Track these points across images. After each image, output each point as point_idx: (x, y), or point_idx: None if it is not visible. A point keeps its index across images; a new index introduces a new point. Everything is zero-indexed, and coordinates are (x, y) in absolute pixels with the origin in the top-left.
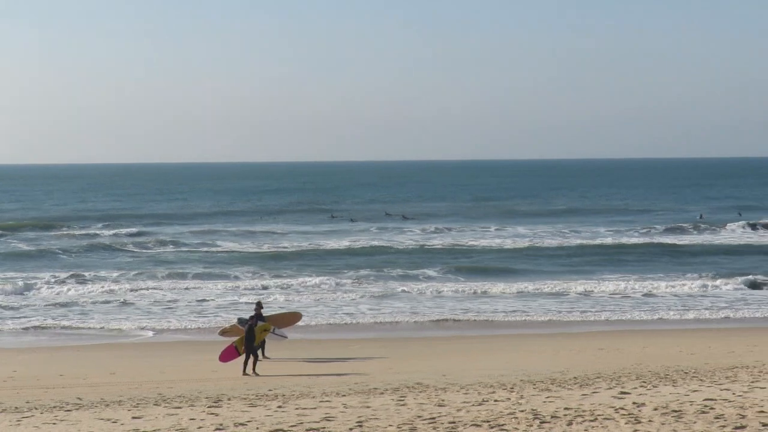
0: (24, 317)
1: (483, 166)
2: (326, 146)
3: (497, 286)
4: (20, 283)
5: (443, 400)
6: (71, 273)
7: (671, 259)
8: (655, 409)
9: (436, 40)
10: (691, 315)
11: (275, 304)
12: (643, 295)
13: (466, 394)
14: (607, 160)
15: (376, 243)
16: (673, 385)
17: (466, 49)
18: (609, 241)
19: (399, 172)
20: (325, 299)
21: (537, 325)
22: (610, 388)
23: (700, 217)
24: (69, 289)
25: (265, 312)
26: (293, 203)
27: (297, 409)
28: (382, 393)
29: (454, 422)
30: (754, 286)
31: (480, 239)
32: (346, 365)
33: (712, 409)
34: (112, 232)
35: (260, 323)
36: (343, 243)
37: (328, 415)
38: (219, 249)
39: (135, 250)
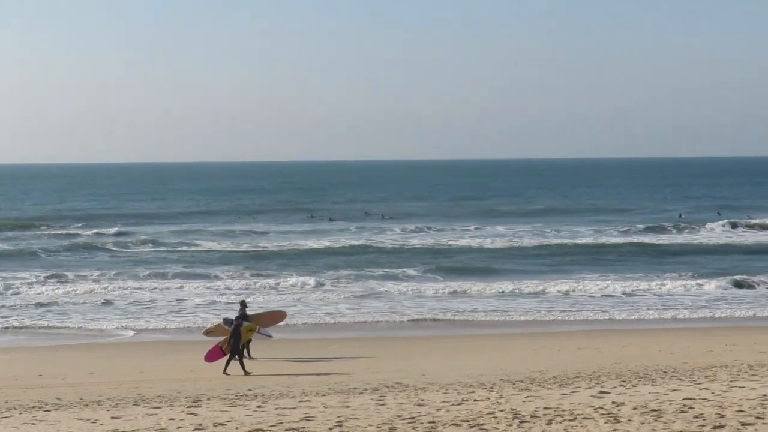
0: (2, 317)
1: (463, 166)
2: (307, 146)
3: (477, 286)
4: None
5: (423, 400)
6: (51, 273)
7: (651, 258)
8: (635, 409)
9: (421, 40)
10: (670, 314)
11: (254, 303)
12: (622, 295)
13: (445, 393)
14: (588, 160)
15: (355, 242)
16: (653, 385)
17: (449, 49)
18: (589, 240)
19: (379, 171)
20: (305, 299)
21: (516, 325)
22: (590, 388)
23: (680, 216)
24: (49, 289)
25: (249, 311)
26: (273, 203)
27: (277, 409)
28: (361, 393)
29: (433, 422)
30: (738, 285)
31: (460, 239)
32: (325, 365)
33: (691, 408)
34: (91, 231)
35: (245, 323)
36: (323, 243)
37: (307, 415)
38: (199, 248)
39: (115, 250)
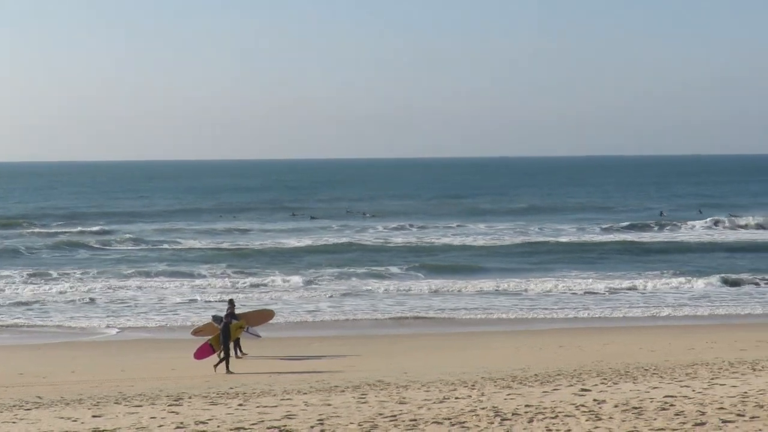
0: None
1: (446, 164)
2: (302, 144)
3: (459, 284)
4: None
5: (404, 398)
6: (34, 271)
7: (632, 256)
8: (616, 406)
9: (409, 38)
10: (651, 312)
11: (236, 302)
12: (604, 293)
13: (427, 391)
14: (571, 158)
15: (337, 241)
16: (634, 382)
17: (440, 48)
18: (571, 238)
19: (367, 170)
20: (286, 297)
21: (498, 323)
22: (571, 385)
23: (661, 214)
24: (31, 288)
25: (237, 310)
26: (256, 201)
27: (258, 407)
28: (343, 391)
29: (415, 420)
30: (726, 283)
31: (442, 237)
32: (307, 363)
33: (672, 405)
34: (75, 230)
35: (234, 321)
36: (305, 241)
37: (289, 413)
38: (181, 247)
39: (98, 248)
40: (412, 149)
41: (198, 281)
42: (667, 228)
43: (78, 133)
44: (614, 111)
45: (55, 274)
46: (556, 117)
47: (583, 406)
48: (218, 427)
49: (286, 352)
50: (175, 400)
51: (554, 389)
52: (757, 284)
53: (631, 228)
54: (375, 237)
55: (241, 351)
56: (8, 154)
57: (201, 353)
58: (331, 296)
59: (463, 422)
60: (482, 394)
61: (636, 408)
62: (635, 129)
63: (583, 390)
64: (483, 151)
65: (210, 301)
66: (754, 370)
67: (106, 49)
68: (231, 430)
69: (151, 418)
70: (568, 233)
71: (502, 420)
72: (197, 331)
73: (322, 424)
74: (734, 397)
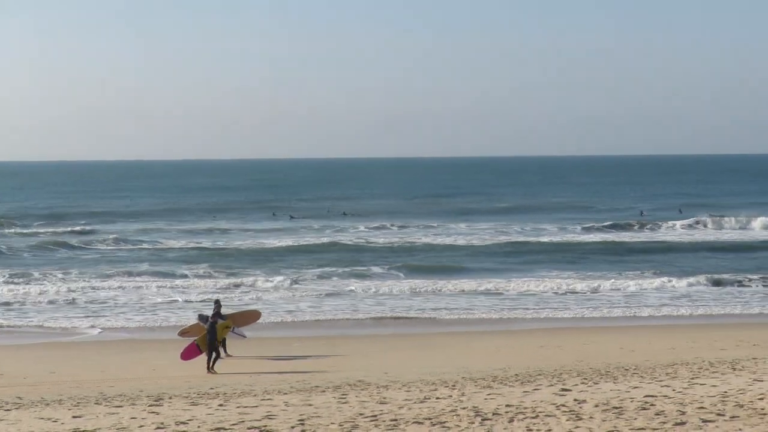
0: None
1: (428, 164)
2: (272, 144)
3: (440, 284)
4: None
5: (385, 398)
6: (14, 271)
7: (613, 256)
8: (596, 406)
9: (398, 36)
10: (631, 312)
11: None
12: (584, 292)
13: (408, 391)
14: (551, 158)
15: (318, 240)
16: (614, 382)
17: (419, 46)
18: (552, 238)
19: (345, 169)
20: (267, 297)
21: (479, 323)
22: (552, 385)
23: (641, 214)
24: (11, 288)
25: (224, 310)
26: (236, 201)
27: (238, 407)
28: (323, 391)
29: (395, 420)
30: (707, 282)
31: (423, 237)
32: (287, 363)
33: (652, 405)
34: (56, 230)
35: (220, 321)
36: (286, 241)
37: (269, 414)
38: (162, 247)
39: (79, 248)
40: (394, 149)
41: (179, 281)
42: (648, 227)
43: (57, 132)
44: (598, 111)
45: (35, 275)
46: (542, 117)
47: (563, 405)
48: (198, 427)
49: (267, 352)
50: (156, 401)
51: (535, 389)
52: (737, 284)
53: (611, 228)
54: (356, 237)
55: (225, 352)
56: None
57: (188, 354)
58: (311, 296)
59: (444, 422)
60: (463, 394)
61: (616, 408)
62: (613, 130)
63: (563, 390)
64: (464, 151)
65: (191, 301)
66: (734, 369)
67: (87, 46)
68: (211, 430)
69: (132, 418)
70: (549, 233)
71: (482, 420)
72: (184, 332)
73: (302, 424)
74: (714, 396)
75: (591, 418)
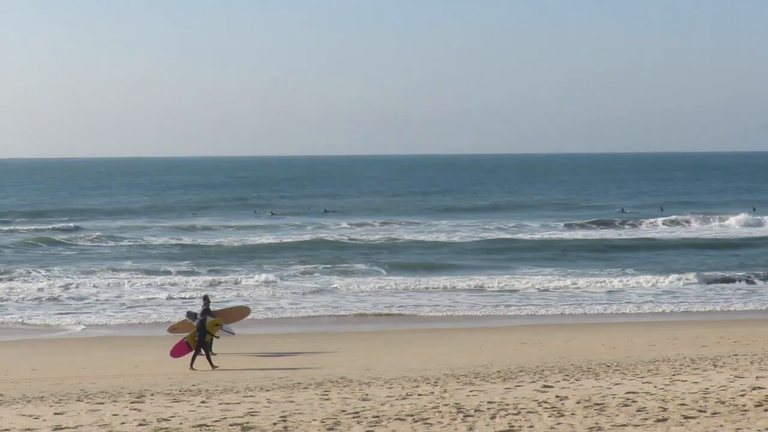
0: None
1: (411, 162)
2: (253, 141)
3: (422, 281)
4: None
5: (367, 395)
6: None
7: (594, 253)
8: (578, 403)
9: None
10: (613, 309)
11: (200, 299)
12: (566, 290)
13: (389, 388)
14: (533, 155)
15: (300, 238)
16: (596, 379)
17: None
18: (534, 235)
19: (327, 167)
20: (249, 294)
21: (461, 320)
22: (533, 382)
23: (622, 211)
24: None
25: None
26: (218, 199)
27: (221, 404)
28: (305, 388)
29: (378, 416)
30: (688, 279)
31: (405, 234)
32: (269, 360)
33: (634, 402)
34: (37, 227)
35: (210, 318)
36: (268, 238)
37: (251, 410)
38: (145, 243)
39: (60, 245)
40: (377, 147)
41: (161, 278)
42: (629, 225)
43: (37, 129)
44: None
45: (16, 271)
46: (507, 110)
47: (545, 402)
48: (181, 424)
49: (249, 349)
50: (138, 398)
51: (517, 386)
52: (718, 281)
53: (594, 225)
54: (338, 234)
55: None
56: None
57: (177, 351)
58: (293, 293)
59: (426, 419)
60: (445, 391)
61: (598, 404)
62: (589, 126)
63: (545, 386)
64: (447, 149)
65: (173, 298)
66: (715, 366)
67: (72, 43)
68: (193, 427)
69: (114, 415)
70: (531, 230)
71: (464, 416)
72: (173, 329)
73: (284, 420)
74: (696, 393)
75: (573, 414)
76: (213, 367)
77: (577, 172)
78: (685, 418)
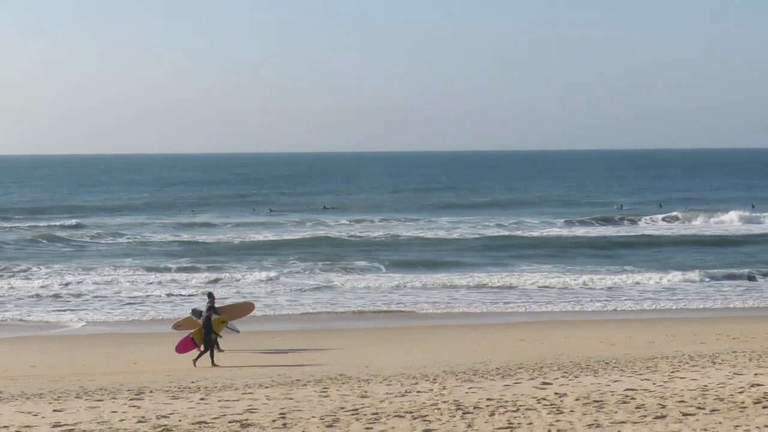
0: None
1: (411, 158)
2: (253, 137)
3: (421, 278)
4: None
5: (366, 392)
6: None
7: (593, 250)
8: (577, 399)
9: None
10: (611, 305)
11: (199, 296)
12: (565, 286)
13: (388, 385)
14: (534, 152)
15: (299, 235)
16: (595, 376)
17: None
18: (533, 233)
19: (326, 164)
20: (248, 290)
21: (459, 316)
22: (532, 379)
23: (621, 207)
24: None
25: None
26: (217, 195)
27: (220, 401)
28: (305, 385)
29: (377, 413)
30: (686, 276)
31: (405, 231)
32: (268, 357)
33: (633, 399)
34: (37, 224)
35: (215, 316)
36: (267, 235)
37: (251, 407)
38: (144, 240)
39: (60, 242)
40: (376, 144)
41: (160, 275)
42: (628, 222)
43: (36, 126)
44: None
45: (16, 268)
46: (509, 107)
47: (544, 399)
48: (180, 421)
49: (248, 346)
50: (137, 395)
51: (515, 383)
52: (715, 278)
53: (593, 222)
54: (337, 231)
55: (218, 347)
56: None
57: (183, 347)
58: (292, 290)
59: (425, 416)
60: (444, 388)
61: (597, 401)
62: (589, 123)
63: (544, 383)
64: (448, 145)
65: (172, 294)
66: (714, 363)
67: (72, 39)
68: (193, 424)
69: (113, 412)
70: (530, 227)
71: (463, 413)
72: (177, 326)
73: (284, 417)
74: (694, 390)
75: (572, 411)
76: (213, 364)
77: (577, 168)
78: (684, 415)
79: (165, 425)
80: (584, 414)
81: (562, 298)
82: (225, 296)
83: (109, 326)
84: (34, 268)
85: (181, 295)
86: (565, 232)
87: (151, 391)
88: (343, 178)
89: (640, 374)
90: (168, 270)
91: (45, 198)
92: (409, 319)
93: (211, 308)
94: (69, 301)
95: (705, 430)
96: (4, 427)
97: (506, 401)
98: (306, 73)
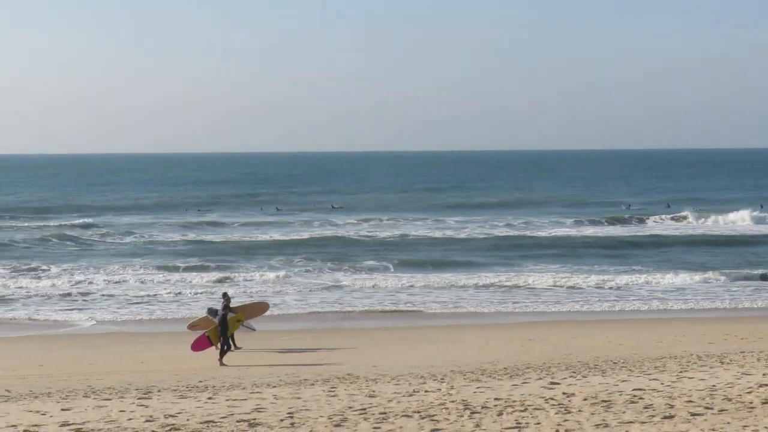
0: None
1: (419, 158)
2: (267, 136)
3: (429, 277)
4: None
5: (374, 391)
6: (4, 263)
7: (601, 249)
8: (585, 399)
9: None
10: (620, 305)
11: (208, 296)
12: (573, 286)
13: (396, 384)
14: (541, 152)
15: (306, 234)
16: (603, 375)
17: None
18: (541, 233)
19: (336, 163)
20: (256, 290)
21: (467, 316)
22: (540, 378)
23: (629, 207)
24: (1, 281)
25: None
26: (226, 195)
27: (227, 400)
28: (312, 384)
29: (384, 413)
30: (695, 276)
31: (413, 230)
32: (276, 356)
33: (641, 399)
34: (45, 223)
35: (231, 315)
36: (275, 234)
37: (258, 407)
38: (152, 240)
39: (68, 241)
40: (385, 143)
41: (168, 274)
42: (636, 221)
43: (45, 125)
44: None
45: (25, 267)
46: (517, 109)
47: (552, 399)
48: (188, 420)
49: (256, 345)
50: (145, 394)
51: (523, 382)
52: (724, 278)
53: (601, 222)
54: (345, 230)
55: (235, 345)
56: None
57: (198, 345)
58: (300, 289)
59: (433, 415)
60: (452, 388)
61: (605, 401)
62: (603, 123)
63: (552, 383)
64: (455, 145)
65: (180, 293)
66: (722, 363)
67: (79, 39)
68: (200, 423)
69: (120, 411)
70: (538, 227)
71: (471, 413)
72: (193, 325)
73: (291, 417)
74: (702, 390)
75: (580, 411)
76: (222, 364)
77: (582, 168)
78: (692, 415)
79: (173, 424)
80: (592, 414)
81: (570, 298)
82: (233, 295)
83: (117, 325)
84: (44, 267)
85: (190, 294)
86: (573, 231)
87: (159, 391)
88: (350, 178)
89: (649, 374)
90: (176, 269)
91: (53, 197)
92: (417, 318)
93: (227, 307)
94: (77, 300)
95: (713, 430)
96: (13, 425)
97: (514, 401)
98: (314, 72)
